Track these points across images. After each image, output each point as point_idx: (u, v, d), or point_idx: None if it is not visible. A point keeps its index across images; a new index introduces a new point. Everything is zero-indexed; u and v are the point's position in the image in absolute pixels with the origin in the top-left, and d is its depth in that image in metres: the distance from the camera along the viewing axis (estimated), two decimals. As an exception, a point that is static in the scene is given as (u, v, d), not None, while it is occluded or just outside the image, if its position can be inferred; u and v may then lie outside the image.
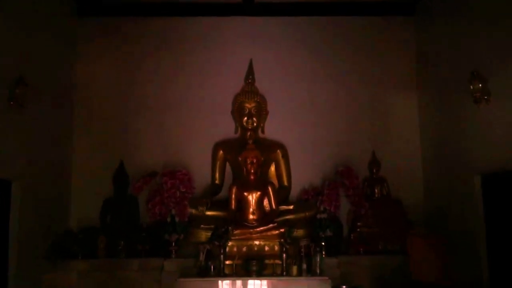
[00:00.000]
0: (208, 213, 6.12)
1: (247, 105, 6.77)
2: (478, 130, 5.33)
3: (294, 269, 5.24)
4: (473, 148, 5.45)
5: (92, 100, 6.94)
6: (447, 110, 6.15)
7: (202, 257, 5.34)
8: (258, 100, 6.82)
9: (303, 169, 6.81)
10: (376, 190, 6.66)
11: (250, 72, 6.98)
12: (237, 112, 6.84)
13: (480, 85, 5.10)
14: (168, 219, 5.96)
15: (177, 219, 5.97)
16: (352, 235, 6.34)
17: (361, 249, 6.18)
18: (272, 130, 6.91)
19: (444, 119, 6.29)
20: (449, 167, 6.10)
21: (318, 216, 6.11)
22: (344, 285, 5.42)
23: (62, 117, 6.53)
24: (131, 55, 7.08)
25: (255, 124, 6.74)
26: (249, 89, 6.89)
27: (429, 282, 4.77)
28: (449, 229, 5.89)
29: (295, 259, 5.36)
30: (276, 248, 5.66)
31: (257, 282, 5.01)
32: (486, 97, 5.08)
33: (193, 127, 6.97)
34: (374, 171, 6.75)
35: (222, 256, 5.30)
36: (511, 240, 4.67)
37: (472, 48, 5.47)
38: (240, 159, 6.25)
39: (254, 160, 6.16)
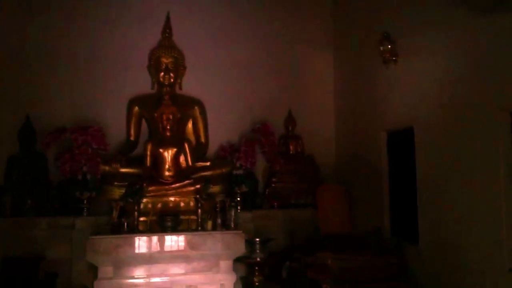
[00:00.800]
0: (123, 170, 5.96)
1: (164, 59, 6.57)
2: (386, 90, 5.59)
3: (209, 223, 5.29)
4: (381, 107, 5.72)
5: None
6: (360, 71, 6.38)
7: (115, 214, 5.22)
8: (175, 55, 6.64)
9: (221, 126, 6.83)
10: (291, 147, 6.86)
11: (167, 25, 6.74)
12: (154, 67, 6.63)
13: (389, 46, 5.29)
14: (80, 177, 5.75)
15: (88, 177, 5.78)
16: (267, 190, 6.52)
17: (275, 204, 6.39)
18: (189, 86, 6.80)
19: (356, 79, 6.53)
20: (359, 125, 6.39)
21: (235, 172, 6.21)
22: (257, 238, 5.59)
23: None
24: (40, 4, 6.54)
25: (172, 80, 6.58)
26: (166, 43, 6.68)
27: (336, 233, 5.06)
28: (356, 184, 6.22)
29: (211, 214, 5.41)
30: (192, 204, 5.67)
31: (174, 237, 5.01)
32: (394, 58, 5.29)
33: (107, 82, 6.68)
34: (290, 128, 6.92)
35: (136, 212, 5.22)
36: (409, 192, 5.02)
37: (384, 10, 5.65)
38: (156, 115, 6.14)
39: (171, 116, 6.05)
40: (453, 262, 4.30)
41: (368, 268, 4.51)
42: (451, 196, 4.34)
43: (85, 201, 5.77)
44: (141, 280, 4.94)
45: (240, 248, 5.11)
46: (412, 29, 5.09)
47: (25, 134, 6.11)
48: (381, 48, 5.35)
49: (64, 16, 6.61)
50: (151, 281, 4.95)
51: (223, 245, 5.06)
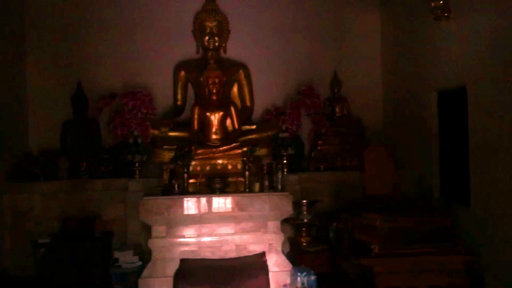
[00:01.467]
0: (171, 134, 6.10)
1: (208, 23, 6.58)
2: (437, 48, 5.39)
3: (257, 185, 5.37)
4: (431, 66, 5.54)
5: (45, 18, 6.59)
6: (408, 28, 6.17)
7: (166, 176, 5.38)
8: (219, 19, 6.63)
9: (266, 90, 6.82)
10: (336, 109, 6.79)
11: (211, -11, 6.71)
12: (198, 31, 6.65)
13: (441, 2, 5.08)
14: (131, 140, 5.94)
15: (139, 140, 5.96)
16: (312, 153, 6.52)
17: (321, 166, 6.39)
18: (234, 50, 6.79)
19: (405, 38, 6.33)
20: (408, 85, 6.23)
21: (280, 135, 6.23)
22: (304, 199, 5.64)
23: (14, 36, 6.21)
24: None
25: (216, 44, 6.59)
26: (210, 7, 6.67)
27: (384, 194, 5.02)
28: (404, 145, 6.13)
29: (258, 176, 5.49)
30: (239, 166, 5.75)
31: (222, 199, 5.13)
32: (446, 14, 5.08)
33: (153, 47, 6.79)
34: (335, 90, 6.84)
35: (185, 175, 5.36)
36: (460, 153, 4.91)
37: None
38: (201, 79, 6.17)
39: (216, 80, 6.07)
40: (506, 223, 4.21)
41: (417, 229, 4.46)
42: (506, 156, 4.20)
43: (136, 164, 5.97)
44: (192, 239, 5.10)
45: (287, 210, 5.18)
46: (466, -17, 4.85)
47: (77, 100, 6.35)
48: (432, 4, 5.15)
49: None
50: (201, 240, 5.11)
51: (271, 207, 5.13)
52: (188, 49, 6.75)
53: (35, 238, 5.50)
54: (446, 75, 5.20)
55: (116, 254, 5.39)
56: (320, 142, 6.53)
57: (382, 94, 7.04)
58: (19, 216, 5.74)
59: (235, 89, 6.78)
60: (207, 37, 6.57)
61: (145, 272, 4.96)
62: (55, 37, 6.61)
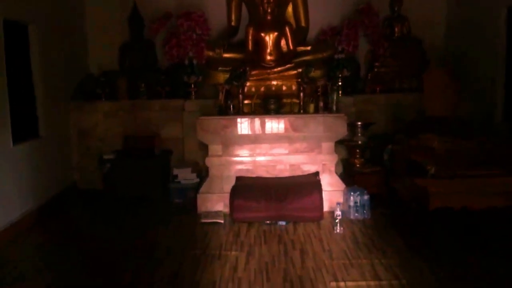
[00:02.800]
0: (226, 55, 6.11)
1: None
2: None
3: (311, 106, 5.36)
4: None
5: None
6: None
7: (221, 96, 5.45)
8: None
9: (321, 9, 6.58)
10: (396, 29, 6.50)
11: None
12: None
13: None
14: (186, 62, 6.00)
15: (194, 62, 6.01)
16: (369, 74, 6.37)
17: (378, 88, 6.25)
18: (288, -33, 6.52)
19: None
20: (474, 1, 5.82)
21: (336, 56, 6.08)
22: (359, 121, 5.59)
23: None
24: None
25: (271, -38, 6.33)
26: None
27: (442, 116, 4.89)
28: (467, 66, 5.85)
29: (312, 98, 5.45)
30: (294, 87, 5.74)
31: (275, 119, 5.16)
32: None
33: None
34: (396, 9, 6.51)
35: (240, 95, 5.40)
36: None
37: None
38: (256, -1, 6.02)
39: (271, 0, 5.92)
40: None
41: (476, 151, 4.37)
42: None
43: (192, 85, 6.07)
44: (248, 159, 5.24)
45: (341, 131, 5.16)
46: None
47: (134, 21, 6.40)
48: None
49: None
50: (256, 159, 5.23)
51: (325, 128, 5.13)
52: (242, -32, 6.55)
53: (100, 154, 5.84)
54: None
55: (175, 171, 5.65)
56: (377, 64, 6.33)
57: (446, 13, 6.63)
58: (84, 133, 6.07)
59: (289, 8, 6.58)
60: (261, -46, 6.32)
61: (203, 188, 5.19)
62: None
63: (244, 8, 6.62)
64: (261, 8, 5.99)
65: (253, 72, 5.74)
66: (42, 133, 5.27)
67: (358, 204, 4.76)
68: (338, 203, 4.55)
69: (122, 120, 6.06)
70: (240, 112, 5.35)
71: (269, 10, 5.94)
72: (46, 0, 5.44)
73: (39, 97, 5.23)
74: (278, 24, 6.02)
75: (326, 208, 4.81)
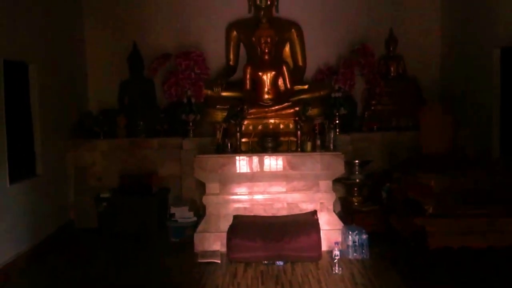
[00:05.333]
0: (224, 93, 6.17)
1: (260, -18, 6.48)
2: (500, 2, 5.08)
3: (308, 145, 5.37)
4: (494, 22, 5.26)
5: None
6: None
7: (219, 135, 5.49)
8: (271, -23, 6.51)
9: (318, 49, 6.71)
10: (392, 68, 6.61)
11: (261, -50, 6.57)
12: (250, -11, 6.58)
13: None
14: (185, 100, 6.06)
15: (193, 100, 6.07)
16: (366, 113, 6.42)
17: (375, 126, 6.30)
18: (286, 9, 6.68)
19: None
20: (468, 42, 5.95)
21: (333, 95, 6.15)
22: (356, 159, 5.60)
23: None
24: None
25: (268, 2, 6.51)
26: (261, -35, 6.54)
27: (439, 153, 4.90)
28: (463, 105, 5.91)
29: (310, 136, 5.48)
30: (291, 126, 5.77)
31: (273, 158, 5.17)
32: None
33: (206, 7, 6.82)
34: (391, 48, 6.63)
35: (238, 134, 5.44)
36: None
37: None
38: (254, 38, 6.13)
39: (268, 40, 6.03)
40: None
41: (474, 189, 4.36)
42: None
43: (190, 123, 6.11)
44: (245, 197, 5.22)
45: (339, 169, 5.16)
46: None
47: (133, 60, 6.51)
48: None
49: None
50: (254, 198, 5.21)
51: (322, 166, 5.13)
52: (240, 8, 6.70)
53: (97, 193, 5.82)
54: (510, 31, 4.92)
55: (172, 209, 5.61)
56: (373, 102, 6.40)
57: (440, 53, 6.75)
58: (82, 172, 6.06)
59: (287, 48, 6.71)
60: (258, -4, 6.49)
61: (200, 227, 5.14)
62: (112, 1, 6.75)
63: (242, 48, 6.75)
64: (258, 48, 6.10)
65: (251, 111, 5.78)
66: (39, 171, 5.27)
67: (357, 243, 4.71)
68: (336, 243, 4.50)
69: (120, 158, 6.06)
70: (238, 150, 5.36)
71: (266, 50, 6.04)
72: (47, 40, 5.54)
73: (37, 135, 5.26)
74: (275, 64, 6.11)
75: (324, 247, 4.76)
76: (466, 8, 5.99)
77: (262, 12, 6.51)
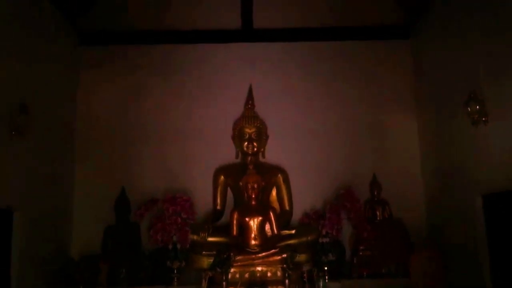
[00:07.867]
0: (210, 239, 6.08)
1: (247, 130, 6.81)
2: (478, 151, 5.34)
3: (298, 295, 5.20)
4: (474, 169, 5.45)
5: (92, 128, 7.01)
6: (446, 131, 6.18)
7: (204, 284, 5.31)
8: (258, 125, 6.86)
9: (305, 193, 6.81)
10: (377, 213, 6.65)
11: (250, 97, 7.05)
12: (238, 137, 6.87)
13: (477, 107, 5.12)
14: (170, 246, 5.94)
15: (178, 246, 5.95)
16: (354, 258, 6.30)
17: (364, 273, 6.14)
18: (272, 154, 6.93)
19: (443, 140, 6.31)
20: (450, 188, 6.09)
21: (320, 240, 6.10)
22: (348, 310, 5.37)
23: (63, 145, 6.59)
24: (131, 83, 7.16)
25: (255, 149, 6.77)
26: (249, 114, 6.94)
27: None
28: (451, 251, 5.85)
29: (298, 284, 5.31)
30: (279, 273, 5.61)
31: (260, 308, 4.96)
32: (484, 119, 5.09)
33: (194, 153, 7.01)
34: (376, 193, 6.74)
35: (224, 283, 5.25)
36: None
37: (468, 69, 5.52)
38: (241, 184, 6.24)
39: (255, 185, 6.14)
40: None
41: None
42: None
43: (175, 271, 5.91)
44: None
45: (330, 320, 4.92)
46: (500, 87, 4.90)
47: (120, 205, 6.47)
48: (469, 109, 5.20)
49: (154, 93, 7.14)
50: None
51: (313, 317, 4.90)
52: (227, 153, 6.93)
53: None
54: (490, 179, 5.08)
55: None
56: (361, 247, 6.32)
57: (424, 198, 6.88)
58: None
59: (273, 193, 6.81)
60: (246, 143, 6.76)
61: None
62: (102, 144, 6.96)
63: (229, 192, 6.83)
64: (245, 193, 6.17)
65: (237, 258, 5.65)
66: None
67: None
68: None
69: (99, 310, 5.74)
70: (224, 301, 5.14)
71: (253, 196, 6.11)
72: (35, 186, 5.57)
73: (14, 283, 5.01)
74: (262, 209, 6.14)
75: None
76: (445, 155, 6.25)
77: (249, 158, 6.74)
